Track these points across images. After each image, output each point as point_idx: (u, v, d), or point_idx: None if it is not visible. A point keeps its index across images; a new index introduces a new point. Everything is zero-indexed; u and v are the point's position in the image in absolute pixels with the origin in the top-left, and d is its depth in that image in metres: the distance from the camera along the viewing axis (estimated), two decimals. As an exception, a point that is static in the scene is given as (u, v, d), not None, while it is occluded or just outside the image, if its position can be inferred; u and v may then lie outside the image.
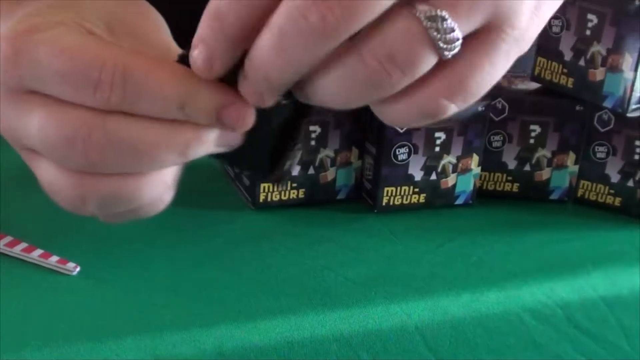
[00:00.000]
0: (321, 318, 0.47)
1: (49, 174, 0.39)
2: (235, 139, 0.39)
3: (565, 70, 0.59)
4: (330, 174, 0.59)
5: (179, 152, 0.37)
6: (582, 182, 0.61)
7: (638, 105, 0.57)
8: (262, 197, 0.57)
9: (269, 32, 0.32)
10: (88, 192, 0.38)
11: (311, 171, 0.58)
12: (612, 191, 0.60)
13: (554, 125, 0.60)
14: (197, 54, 0.34)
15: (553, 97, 0.60)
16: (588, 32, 0.57)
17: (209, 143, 0.38)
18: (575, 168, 0.61)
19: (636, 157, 0.59)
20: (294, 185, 0.58)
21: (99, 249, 0.51)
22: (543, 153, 0.60)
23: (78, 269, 0.49)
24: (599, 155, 0.60)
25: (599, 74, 0.57)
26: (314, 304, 0.47)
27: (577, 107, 0.59)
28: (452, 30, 0.35)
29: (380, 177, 0.57)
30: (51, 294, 0.47)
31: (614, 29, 0.56)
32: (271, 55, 0.33)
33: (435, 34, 0.34)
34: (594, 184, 0.61)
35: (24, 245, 0.50)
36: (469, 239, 0.56)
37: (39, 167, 0.39)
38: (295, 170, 0.57)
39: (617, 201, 0.60)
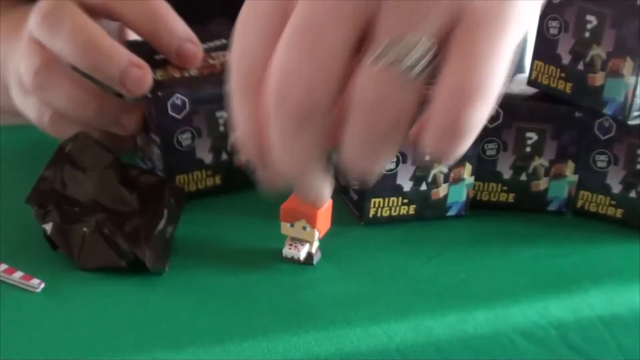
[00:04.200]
0: (295, 340, 0.44)
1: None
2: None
3: (563, 75, 0.56)
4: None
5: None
6: (581, 192, 0.58)
7: (640, 112, 0.54)
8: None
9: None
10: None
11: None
12: (613, 202, 0.57)
13: (551, 133, 0.56)
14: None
15: (550, 103, 0.57)
16: (587, 34, 0.54)
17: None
18: (575, 178, 0.58)
19: (639, 166, 0.55)
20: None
21: (65, 265, 0.49)
22: (540, 162, 0.57)
23: (42, 285, 0.47)
24: (599, 164, 0.57)
25: (598, 78, 0.54)
26: (288, 325, 0.45)
27: (576, 114, 0.56)
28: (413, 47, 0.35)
29: (367, 188, 0.54)
30: (12, 311, 0.45)
31: (614, 31, 0.52)
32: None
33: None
34: (595, 195, 0.57)
35: (-12, 260, 0.48)
36: (459, 253, 0.53)
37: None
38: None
39: (619, 213, 0.57)
